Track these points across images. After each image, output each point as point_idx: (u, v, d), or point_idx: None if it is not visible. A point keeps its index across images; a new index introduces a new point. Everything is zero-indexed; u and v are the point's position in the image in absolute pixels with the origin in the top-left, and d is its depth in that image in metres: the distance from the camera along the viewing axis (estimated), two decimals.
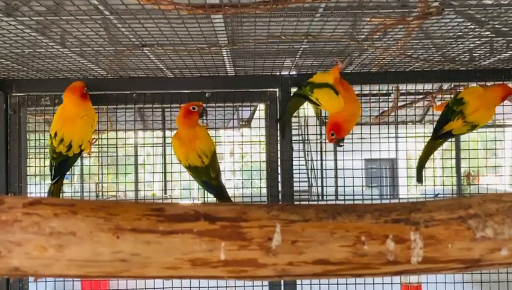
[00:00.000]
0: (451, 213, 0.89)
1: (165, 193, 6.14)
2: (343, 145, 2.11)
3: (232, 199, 2.46)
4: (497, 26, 1.84)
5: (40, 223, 0.84)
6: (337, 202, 3.31)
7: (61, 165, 2.17)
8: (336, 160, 5.60)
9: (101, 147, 2.64)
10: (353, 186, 3.05)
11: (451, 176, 3.42)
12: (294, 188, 2.42)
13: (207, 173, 2.19)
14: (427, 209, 0.89)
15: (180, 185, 2.70)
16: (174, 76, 2.49)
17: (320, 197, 7.28)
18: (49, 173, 2.22)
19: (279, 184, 2.38)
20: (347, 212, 0.89)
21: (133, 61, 2.19)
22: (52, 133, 2.18)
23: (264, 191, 2.49)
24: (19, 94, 2.39)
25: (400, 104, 3.84)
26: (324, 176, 7.07)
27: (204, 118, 2.29)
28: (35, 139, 2.59)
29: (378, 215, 0.88)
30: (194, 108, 2.18)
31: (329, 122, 2.02)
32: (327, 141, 2.06)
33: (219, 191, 2.24)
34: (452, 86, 3.80)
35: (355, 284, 2.37)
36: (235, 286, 2.42)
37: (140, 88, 2.43)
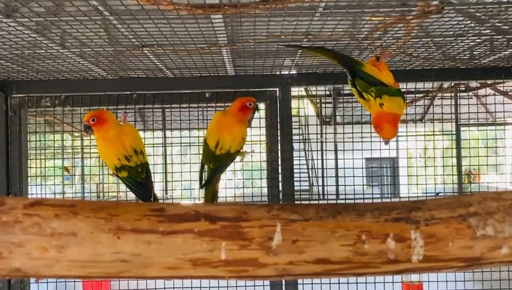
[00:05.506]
0: (452, 211, 0.89)
1: (166, 193, 6.14)
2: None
3: (233, 199, 2.46)
4: (497, 24, 1.84)
5: (40, 224, 0.84)
6: (338, 201, 3.31)
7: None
8: (336, 159, 5.62)
9: None
10: (354, 185, 3.05)
11: (452, 175, 3.42)
12: (295, 188, 2.42)
13: (224, 163, 2.23)
14: (428, 207, 0.89)
15: (181, 186, 2.71)
16: (174, 76, 2.49)
17: (321, 196, 7.29)
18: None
19: (280, 184, 2.38)
20: (347, 212, 0.89)
21: (133, 61, 2.19)
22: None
23: (265, 190, 2.49)
24: (19, 95, 2.39)
25: None
26: (325, 175, 7.08)
27: (256, 115, 2.30)
28: (35, 140, 2.59)
29: (379, 214, 0.88)
30: (250, 104, 2.20)
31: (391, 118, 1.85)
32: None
33: (210, 181, 2.27)
34: (452, 84, 3.81)
35: (357, 283, 2.37)
36: (236, 286, 2.42)
37: (140, 88, 2.43)
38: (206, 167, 2.24)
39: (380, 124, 1.80)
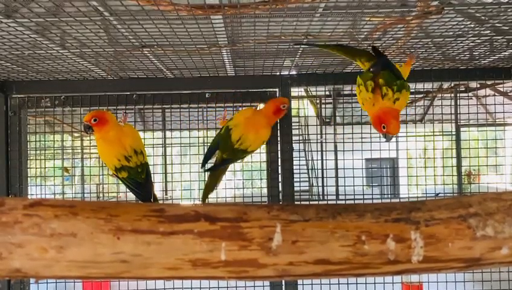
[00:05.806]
0: (452, 212, 0.89)
1: (166, 194, 6.15)
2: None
3: (233, 199, 2.46)
4: (497, 24, 1.84)
5: (40, 225, 0.84)
6: (338, 202, 3.31)
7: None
8: (336, 160, 5.62)
9: None
10: (354, 185, 3.05)
11: (452, 175, 3.42)
12: (295, 188, 2.42)
13: (236, 157, 2.29)
14: (427, 208, 0.89)
15: (181, 186, 2.70)
16: (174, 77, 2.49)
17: (321, 197, 7.29)
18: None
19: (280, 184, 2.38)
20: (347, 212, 0.88)
21: (133, 62, 2.19)
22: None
23: (265, 191, 2.49)
24: (19, 96, 2.39)
25: None
26: (325, 175, 7.08)
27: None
28: (35, 141, 2.59)
29: (379, 215, 0.88)
30: (284, 106, 2.23)
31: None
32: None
33: (215, 168, 2.32)
34: (452, 84, 3.81)
35: (356, 284, 2.37)
36: (236, 287, 2.42)
37: (140, 89, 2.43)
38: (218, 153, 2.27)
39: (388, 120, 1.79)
